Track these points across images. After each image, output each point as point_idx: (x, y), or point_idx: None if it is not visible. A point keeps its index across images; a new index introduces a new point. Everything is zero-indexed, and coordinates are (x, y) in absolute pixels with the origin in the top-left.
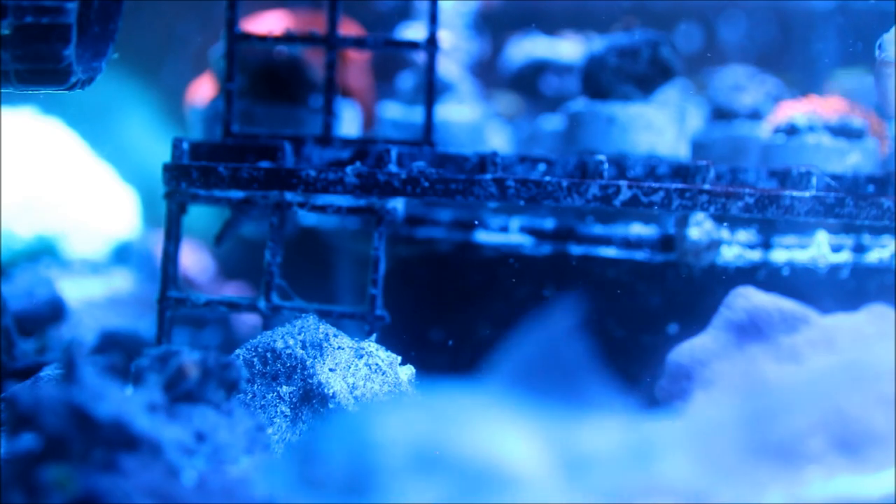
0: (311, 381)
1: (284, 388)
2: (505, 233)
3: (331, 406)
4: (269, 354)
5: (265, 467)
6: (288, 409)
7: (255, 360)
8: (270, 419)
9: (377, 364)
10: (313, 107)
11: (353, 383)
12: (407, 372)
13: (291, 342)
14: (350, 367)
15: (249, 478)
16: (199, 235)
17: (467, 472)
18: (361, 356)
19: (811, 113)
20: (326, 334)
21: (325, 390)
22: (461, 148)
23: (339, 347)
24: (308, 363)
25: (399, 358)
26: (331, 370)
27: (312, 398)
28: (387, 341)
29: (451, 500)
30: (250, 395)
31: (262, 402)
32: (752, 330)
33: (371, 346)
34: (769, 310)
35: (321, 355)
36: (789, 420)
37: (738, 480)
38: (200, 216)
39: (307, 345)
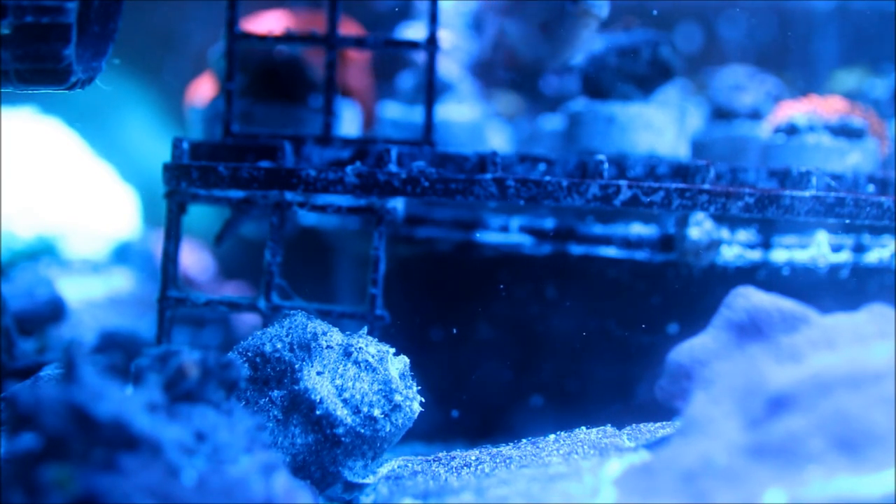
0: (297, 388)
1: (276, 392)
2: (505, 232)
3: (318, 413)
4: (258, 359)
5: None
6: (280, 414)
7: (246, 365)
8: (264, 423)
9: (366, 360)
10: (313, 107)
11: (342, 385)
12: (398, 365)
13: (279, 346)
14: (338, 369)
15: (249, 477)
16: (199, 235)
17: None
18: (350, 353)
19: (811, 113)
20: (315, 333)
21: (312, 396)
22: (461, 148)
23: (327, 346)
24: (296, 366)
25: (391, 350)
26: (318, 374)
27: (300, 404)
28: (387, 341)
29: None
30: (243, 402)
31: (255, 409)
32: (752, 330)
33: (360, 341)
34: (769, 310)
35: (309, 357)
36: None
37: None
38: (200, 216)
39: (295, 346)
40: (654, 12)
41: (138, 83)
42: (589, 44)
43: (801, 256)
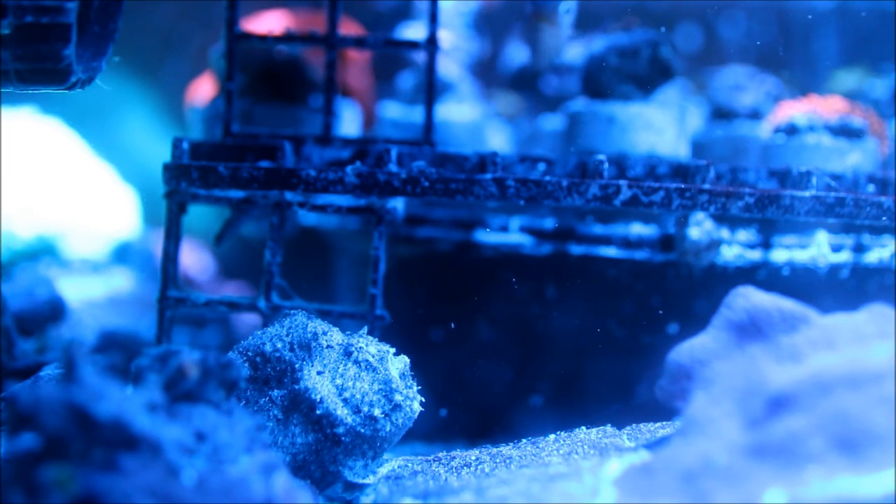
0: (297, 387)
1: (276, 391)
2: (505, 232)
3: (318, 412)
4: (258, 359)
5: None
6: (280, 413)
7: (246, 364)
8: (264, 423)
9: (367, 360)
10: (313, 106)
11: (342, 385)
12: (399, 365)
13: (280, 345)
14: (338, 368)
15: (249, 477)
16: (199, 235)
17: None
18: (350, 353)
19: (811, 113)
20: (315, 333)
21: (313, 396)
22: (461, 148)
23: (328, 346)
24: (296, 366)
25: (391, 350)
26: (318, 373)
27: (300, 403)
28: (387, 341)
29: None
30: (243, 402)
31: (255, 408)
32: (752, 330)
33: (361, 340)
34: (769, 310)
35: (309, 357)
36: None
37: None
38: (200, 216)
39: (295, 346)
40: (663, 29)
41: (138, 83)
42: (557, 47)
43: (801, 256)
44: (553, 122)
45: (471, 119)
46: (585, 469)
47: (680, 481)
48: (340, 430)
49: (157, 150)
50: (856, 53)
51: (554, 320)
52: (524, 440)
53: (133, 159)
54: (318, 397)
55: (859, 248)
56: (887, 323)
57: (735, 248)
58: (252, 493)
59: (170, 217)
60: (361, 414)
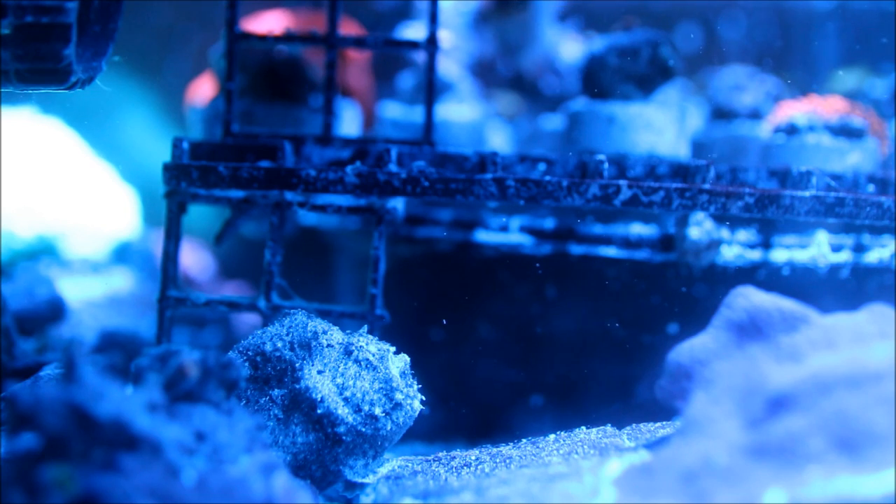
0: (297, 387)
1: (276, 391)
2: (505, 232)
3: (319, 411)
4: (259, 358)
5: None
6: (281, 413)
7: (246, 364)
8: (265, 423)
9: (367, 359)
10: (313, 106)
11: (343, 384)
12: (399, 364)
13: (280, 344)
14: (339, 367)
15: (249, 477)
16: (199, 235)
17: None
18: (350, 352)
19: (811, 113)
20: (315, 332)
21: (313, 395)
22: (461, 148)
23: (328, 345)
24: (297, 365)
25: (391, 349)
26: (319, 372)
27: (301, 403)
28: (387, 341)
29: None
30: (244, 401)
31: (256, 408)
32: (752, 330)
33: (361, 339)
34: (769, 309)
35: (310, 356)
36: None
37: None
38: (200, 216)
39: (296, 345)
40: (670, 62)
41: (138, 83)
42: (528, 40)
43: (801, 256)
44: (553, 122)
45: (471, 119)
46: (585, 469)
47: (680, 481)
48: (341, 429)
49: (157, 150)
50: (856, 53)
51: (554, 320)
52: (524, 440)
53: (133, 159)
54: (319, 396)
55: (859, 248)
56: (887, 323)
57: (735, 248)
58: (252, 493)
59: (170, 217)
60: (362, 413)
